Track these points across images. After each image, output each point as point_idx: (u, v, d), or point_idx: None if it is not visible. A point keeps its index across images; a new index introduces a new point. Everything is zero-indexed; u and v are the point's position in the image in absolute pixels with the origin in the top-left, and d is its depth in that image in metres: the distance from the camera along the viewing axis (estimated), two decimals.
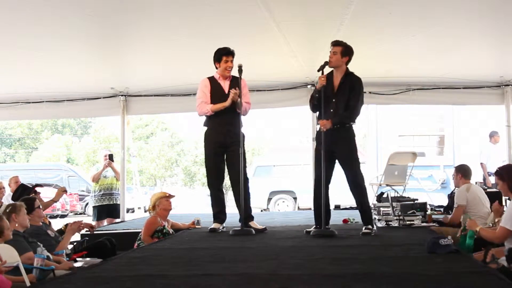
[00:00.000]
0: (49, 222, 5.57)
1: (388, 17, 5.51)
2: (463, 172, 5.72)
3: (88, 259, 4.75)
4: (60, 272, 3.88)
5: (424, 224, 5.79)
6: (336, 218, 6.33)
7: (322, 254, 4.02)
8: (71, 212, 19.48)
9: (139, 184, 12.87)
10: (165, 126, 36.69)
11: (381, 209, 5.95)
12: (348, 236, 4.98)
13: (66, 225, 5.35)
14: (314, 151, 5.19)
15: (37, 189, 6.37)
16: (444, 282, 2.81)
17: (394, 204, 5.90)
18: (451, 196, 6.76)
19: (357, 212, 5.32)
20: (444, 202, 7.99)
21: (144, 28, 5.74)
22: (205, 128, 5.62)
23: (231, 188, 5.55)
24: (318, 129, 5.17)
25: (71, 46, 6.23)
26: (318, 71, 5.09)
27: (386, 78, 7.89)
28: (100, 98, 8.56)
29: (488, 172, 8.80)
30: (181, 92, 8.20)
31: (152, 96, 8.52)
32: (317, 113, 5.25)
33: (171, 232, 5.54)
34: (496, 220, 4.50)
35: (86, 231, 5.72)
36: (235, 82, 5.42)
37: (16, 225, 4.23)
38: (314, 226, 5.16)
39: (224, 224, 5.64)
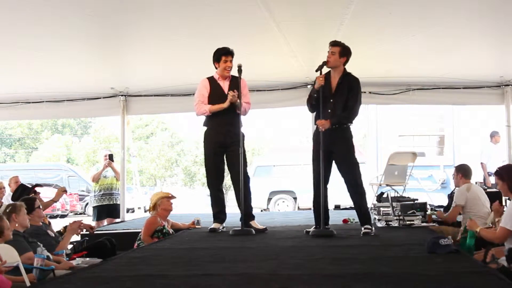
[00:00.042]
0: (49, 222, 5.56)
1: (388, 17, 5.51)
2: (463, 172, 5.72)
3: (87, 259, 4.75)
4: (60, 272, 3.88)
5: (424, 224, 5.80)
6: (336, 218, 6.34)
7: (322, 254, 4.02)
8: (71, 212, 19.48)
9: (139, 184, 12.87)
10: (165, 126, 36.71)
11: (381, 209, 5.95)
12: (348, 236, 4.98)
13: (65, 227, 5.36)
14: (312, 151, 5.20)
15: (37, 189, 6.37)
16: (444, 282, 2.81)
17: (394, 204, 5.90)
18: (451, 196, 6.75)
19: None
20: (444, 202, 7.99)
21: (144, 28, 5.74)
22: (205, 128, 5.63)
23: (231, 188, 5.55)
24: (315, 129, 5.19)
25: (71, 46, 6.23)
26: (316, 71, 5.10)
27: (386, 78, 7.89)
28: (100, 98, 8.56)
29: (488, 172, 8.81)
30: (181, 92, 8.20)
31: (152, 96, 8.52)
32: (315, 113, 5.26)
33: (171, 232, 5.54)
34: (496, 220, 4.50)
35: (86, 231, 5.71)
36: (235, 82, 5.42)
37: (16, 225, 4.23)
38: (314, 226, 5.17)
39: (224, 224, 5.64)
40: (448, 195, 7.45)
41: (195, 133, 33.51)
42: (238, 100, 5.34)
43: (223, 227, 5.62)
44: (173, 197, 5.72)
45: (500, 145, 9.05)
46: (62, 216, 18.04)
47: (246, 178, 5.44)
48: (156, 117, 34.52)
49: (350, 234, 5.05)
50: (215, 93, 5.49)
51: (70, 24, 5.51)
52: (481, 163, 9.11)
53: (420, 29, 5.88)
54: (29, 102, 8.58)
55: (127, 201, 9.61)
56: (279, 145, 30.43)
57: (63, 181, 19.90)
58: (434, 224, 5.90)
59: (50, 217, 9.84)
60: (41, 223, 4.92)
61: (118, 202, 8.33)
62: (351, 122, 5.13)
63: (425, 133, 13.56)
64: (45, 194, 7.30)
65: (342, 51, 5.05)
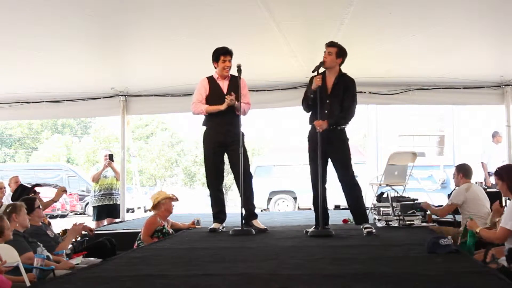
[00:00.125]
0: (49, 223, 5.56)
1: (388, 17, 5.51)
2: (464, 171, 5.71)
3: (87, 259, 4.75)
4: (60, 272, 3.88)
5: (424, 224, 5.80)
6: (336, 218, 6.34)
7: (322, 254, 4.02)
8: (71, 212, 19.49)
9: (139, 184, 12.86)
10: (165, 126, 36.72)
11: (381, 209, 5.95)
12: (348, 236, 4.98)
13: (65, 230, 5.36)
14: (308, 151, 5.22)
15: (37, 189, 6.37)
16: (444, 282, 2.81)
17: (394, 204, 5.90)
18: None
19: None
20: (444, 202, 7.97)
21: (144, 28, 5.73)
22: (204, 128, 5.63)
23: (230, 188, 5.56)
24: (310, 129, 5.20)
25: (71, 46, 6.23)
26: (313, 71, 5.11)
27: (386, 78, 7.89)
28: (100, 98, 8.55)
29: (488, 172, 8.81)
30: (181, 92, 8.19)
31: (152, 96, 8.51)
32: (310, 113, 5.27)
33: (171, 232, 5.54)
34: (497, 220, 4.49)
35: (85, 232, 5.71)
36: (234, 82, 5.42)
37: (17, 225, 4.23)
38: (314, 226, 5.18)
39: (224, 224, 5.65)
40: (448, 195, 7.44)
41: (195, 133, 33.52)
42: (237, 102, 5.34)
43: (223, 227, 5.62)
44: (176, 199, 5.77)
45: (501, 145, 9.04)
46: (62, 216, 18.04)
47: (249, 177, 5.45)
48: (156, 117, 34.54)
49: (350, 234, 5.05)
50: (214, 93, 5.49)
51: (70, 24, 5.51)
52: (482, 162, 9.12)
53: (420, 29, 5.88)
54: (29, 102, 8.57)
55: (127, 201, 9.61)
56: (279, 145, 30.41)
57: (63, 181, 19.90)
58: (434, 224, 5.90)
59: (50, 217, 9.84)
60: (40, 223, 4.92)
61: (118, 202, 8.34)
62: (348, 123, 5.17)
63: (425, 133, 13.56)
64: (45, 194, 7.29)
65: (339, 52, 5.09)
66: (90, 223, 7.83)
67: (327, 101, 5.10)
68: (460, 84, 8.01)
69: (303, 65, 7.08)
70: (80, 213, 19.68)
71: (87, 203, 18.18)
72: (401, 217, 5.72)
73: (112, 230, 6.78)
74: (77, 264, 4.31)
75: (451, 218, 6.33)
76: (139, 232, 5.53)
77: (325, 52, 5.10)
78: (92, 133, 37.19)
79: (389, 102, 8.58)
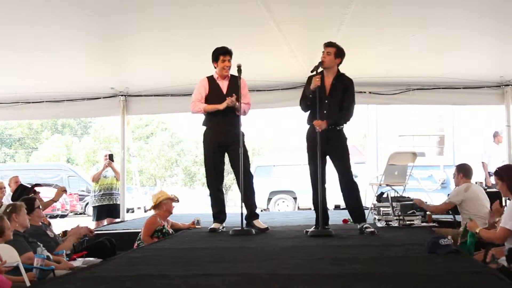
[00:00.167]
0: (49, 223, 5.56)
1: (388, 17, 5.51)
2: (464, 171, 5.71)
3: (87, 259, 4.75)
4: (60, 272, 3.88)
5: (424, 224, 5.80)
6: (336, 218, 6.34)
7: (322, 254, 4.02)
8: (71, 212, 19.49)
9: (139, 184, 12.86)
10: (165, 126, 36.72)
11: (381, 209, 5.95)
12: (348, 236, 4.98)
13: (65, 232, 5.35)
14: (307, 151, 5.22)
15: (36, 189, 6.36)
16: (444, 282, 2.81)
17: (394, 204, 5.90)
18: None
19: None
20: None
21: (144, 28, 5.73)
22: (204, 128, 5.63)
23: (230, 188, 5.56)
24: (309, 129, 5.20)
25: (71, 46, 6.23)
26: (312, 71, 5.11)
27: (386, 78, 7.88)
28: (100, 98, 8.55)
29: (488, 172, 8.81)
30: (181, 92, 8.19)
31: (152, 96, 8.51)
32: (308, 113, 5.27)
33: (171, 232, 5.55)
34: (497, 220, 4.49)
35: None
36: (234, 82, 5.42)
37: (17, 225, 4.23)
38: (314, 226, 5.18)
39: (224, 224, 5.65)
40: (448, 195, 7.44)
41: (195, 133, 33.52)
42: (237, 103, 5.34)
43: (223, 227, 5.62)
44: (178, 200, 5.78)
45: (502, 145, 9.04)
46: (62, 216, 18.04)
47: (249, 177, 5.46)
48: (156, 117, 34.55)
49: (350, 234, 5.06)
50: (214, 93, 5.49)
51: (70, 24, 5.51)
52: (482, 162, 9.12)
53: (420, 29, 5.88)
54: (29, 102, 8.57)
55: (127, 201, 9.61)
56: (279, 145, 30.41)
57: (63, 181, 19.90)
58: (434, 224, 5.90)
59: (50, 217, 9.85)
60: (40, 223, 4.91)
61: (118, 202, 8.34)
62: (346, 123, 5.19)
63: (425, 133, 13.56)
64: (45, 194, 7.29)
65: (337, 52, 5.10)
66: (90, 223, 7.85)
67: (326, 101, 5.11)
68: (460, 84, 8.01)
69: (303, 65, 7.08)
70: (80, 213, 19.67)
71: (87, 203, 18.18)
72: (401, 217, 5.72)
73: (112, 230, 6.78)
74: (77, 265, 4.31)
75: (451, 218, 6.32)
76: (139, 232, 5.53)
77: (323, 52, 5.11)
78: (92, 133, 37.20)
79: (389, 102, 8.58)
